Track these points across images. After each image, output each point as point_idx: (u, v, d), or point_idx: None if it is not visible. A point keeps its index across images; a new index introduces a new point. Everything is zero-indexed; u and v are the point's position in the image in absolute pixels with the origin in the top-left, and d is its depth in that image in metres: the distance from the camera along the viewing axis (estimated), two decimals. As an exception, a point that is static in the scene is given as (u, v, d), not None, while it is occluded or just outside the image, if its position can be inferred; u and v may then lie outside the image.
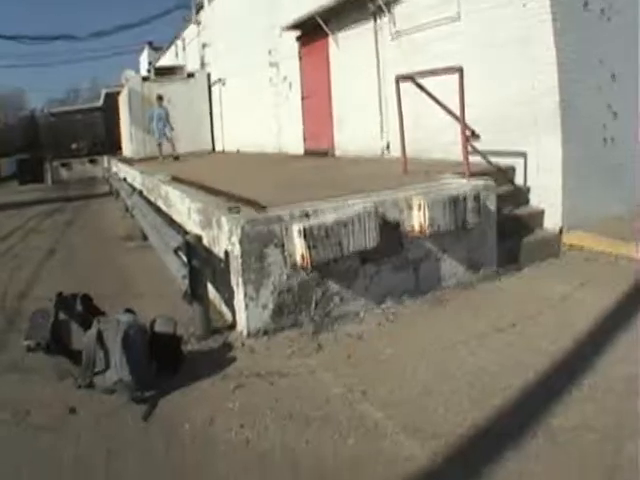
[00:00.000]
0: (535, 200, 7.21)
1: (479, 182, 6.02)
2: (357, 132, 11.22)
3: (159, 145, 16.47)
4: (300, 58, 13.56)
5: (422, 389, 3.78)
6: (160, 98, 16.76)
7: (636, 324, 4.59)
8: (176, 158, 16.04)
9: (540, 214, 7.05)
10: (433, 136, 8.52)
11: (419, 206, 5.24)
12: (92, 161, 31.15)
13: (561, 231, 6.86)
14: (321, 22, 11.50)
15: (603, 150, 7.50)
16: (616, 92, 7.65)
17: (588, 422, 3.26)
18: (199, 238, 5.05)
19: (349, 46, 11.26)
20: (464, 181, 6.13)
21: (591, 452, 2.98)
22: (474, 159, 7.58)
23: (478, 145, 7.52)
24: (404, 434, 3.27)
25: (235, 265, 4.81)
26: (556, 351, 4.18)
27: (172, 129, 16.54)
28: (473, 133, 6.78)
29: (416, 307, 5.28)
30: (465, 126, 6.50)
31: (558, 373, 3.90)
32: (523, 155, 7.28)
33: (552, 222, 6.97)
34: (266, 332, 4.79)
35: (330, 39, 11.83)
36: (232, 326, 5.03)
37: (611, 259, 6.28)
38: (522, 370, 3.93)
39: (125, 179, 15.41)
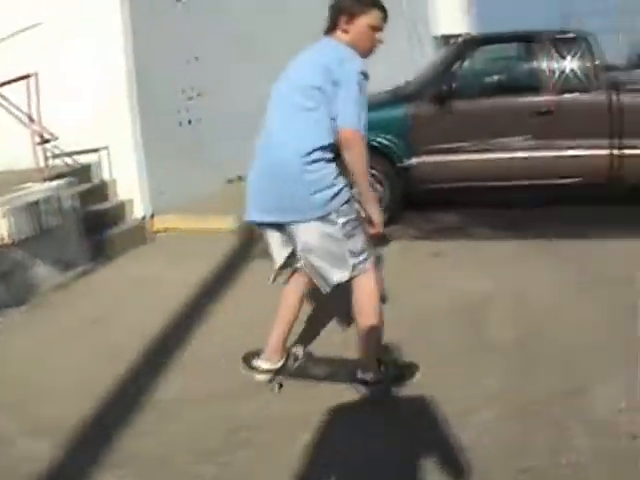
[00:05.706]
0: (121, 192, 7.31)
1: (54, 183, 5.96)
2: None
3: None
4: None
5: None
6: None
7: (230, 290, 5.20)
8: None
9: (128, 204, 7.23)
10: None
11: (-1, 217, 5.04)
12: None
13: (150, 217, 7.14)
14: None
15: (180, 133, 7.91)
16: (196, 74, 8.07)
17: (187, 391, 3.57)
18: None
19: None
20: (42, 185, 5.98)
21: (191, 419, 3.29)
22: (56, 162, 7.26)
23: (62, 146, 7.16)
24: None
25: None
26: (152, 333, 4.39)
27: None
28: (42, 137, 6.53)
29: (16, 316, 5.03)
30: (41, 130, 6.39)
31: (157, 352, 4.15)
32: (106, 149, 7.26)
33: (140, 211, 7.23)
34: None
35: None
36: None
37: (203, 235, 6.78)
38: (113, 354, 4.10)
39: None
